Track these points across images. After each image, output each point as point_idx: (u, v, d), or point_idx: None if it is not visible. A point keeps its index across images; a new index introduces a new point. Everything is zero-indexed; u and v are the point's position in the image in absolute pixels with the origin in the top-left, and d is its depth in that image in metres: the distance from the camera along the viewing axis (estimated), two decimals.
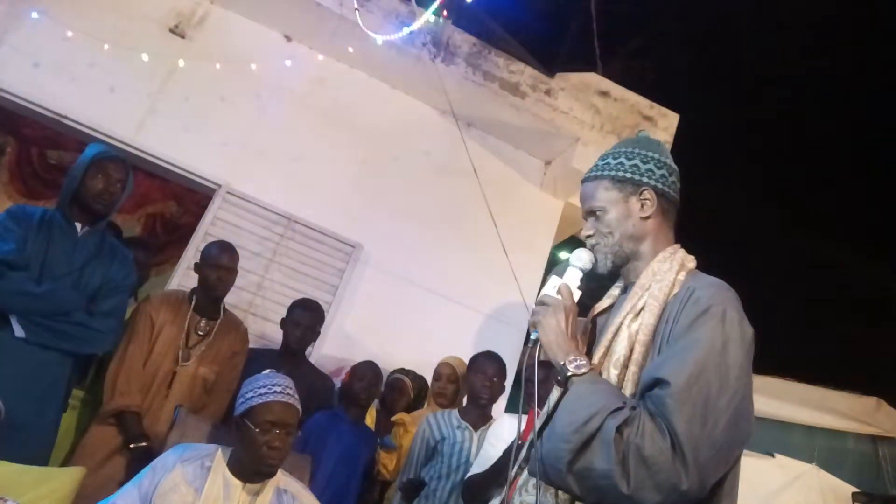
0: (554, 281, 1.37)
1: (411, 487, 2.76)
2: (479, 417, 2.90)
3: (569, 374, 1.23)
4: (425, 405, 3.50)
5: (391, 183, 4.24)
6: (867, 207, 5.62)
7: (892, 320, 5.55)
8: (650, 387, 1.15)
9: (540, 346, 1.31)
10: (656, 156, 1.40)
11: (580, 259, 1.41)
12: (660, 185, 1.38)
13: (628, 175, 1.38)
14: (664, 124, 4.39)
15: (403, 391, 3.51)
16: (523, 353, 1.38)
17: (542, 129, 4.29)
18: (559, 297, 1.33)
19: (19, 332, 2.35)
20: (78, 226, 2.56)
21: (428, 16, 3.67)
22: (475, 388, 2.95)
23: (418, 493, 2.76)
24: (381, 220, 4.14)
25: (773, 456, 4.61)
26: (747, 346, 1.19)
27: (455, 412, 2.95)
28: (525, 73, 4.19)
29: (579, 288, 1.38)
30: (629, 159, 1.39)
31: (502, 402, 3.39)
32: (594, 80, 4.35)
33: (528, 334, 1.37)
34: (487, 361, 2.97)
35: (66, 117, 3.65)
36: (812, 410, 4.73)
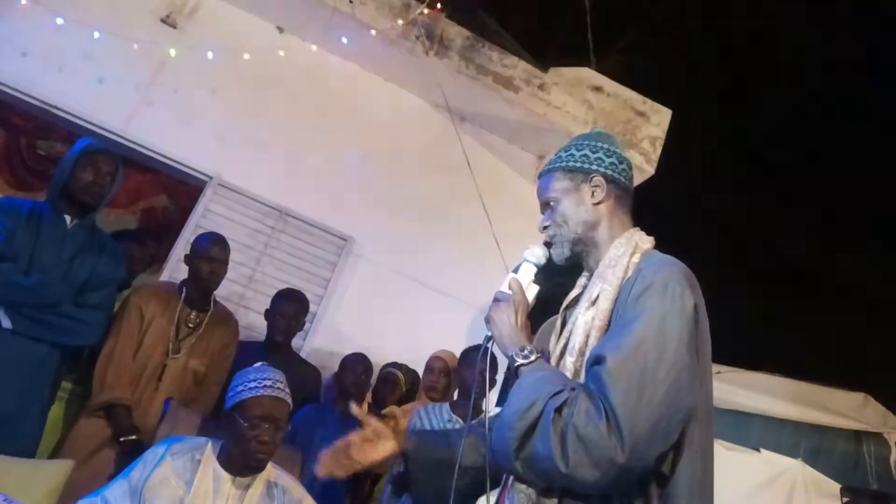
0: (510, 277, 1.40)
1: (401, 481, 2.77)
2: None
3: (516, 364, 1.25)
4: (417, 399, 3.51)
5: (384, 176, 4.23)
6: (861, 206, 5.65)
7: (880, 316, 5.59)
8: (591, 365, 1.17)
9: (493, 341, 1.34)
10: (605, 145, 1.43)
11: (533, 254, 1.43)
12: (609, 172, 1.40)
13: (578, 164, 1.42)
14: (657, 120, 4.40)
15: (396, 385, 3.51)
16: (484, 353, 1.40)
17: (535, 124, 4.28)
18: (510, 291, 1.36)
19: (6, 323, 2.35)
20: (67, 218, 2.55)
21: (422, 8, 3.65)
22: (466, 381, 2.96)
23: (408, 486, 2.76)
24: (374, 213, 4.13)
25: (758, 451, 4.64)
26: (687, 317, 1.17)
27: (446, 406, 2.96)
28: (518, 68, 4.19)
29: (535, 282, 1.41)
30: (579, 150, 1.43)
31: (493, 396, 3.40)
32: (587, 75, 4.34)
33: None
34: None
35: (55, 107, 3.62)
36: (799, 406, 4.76)
